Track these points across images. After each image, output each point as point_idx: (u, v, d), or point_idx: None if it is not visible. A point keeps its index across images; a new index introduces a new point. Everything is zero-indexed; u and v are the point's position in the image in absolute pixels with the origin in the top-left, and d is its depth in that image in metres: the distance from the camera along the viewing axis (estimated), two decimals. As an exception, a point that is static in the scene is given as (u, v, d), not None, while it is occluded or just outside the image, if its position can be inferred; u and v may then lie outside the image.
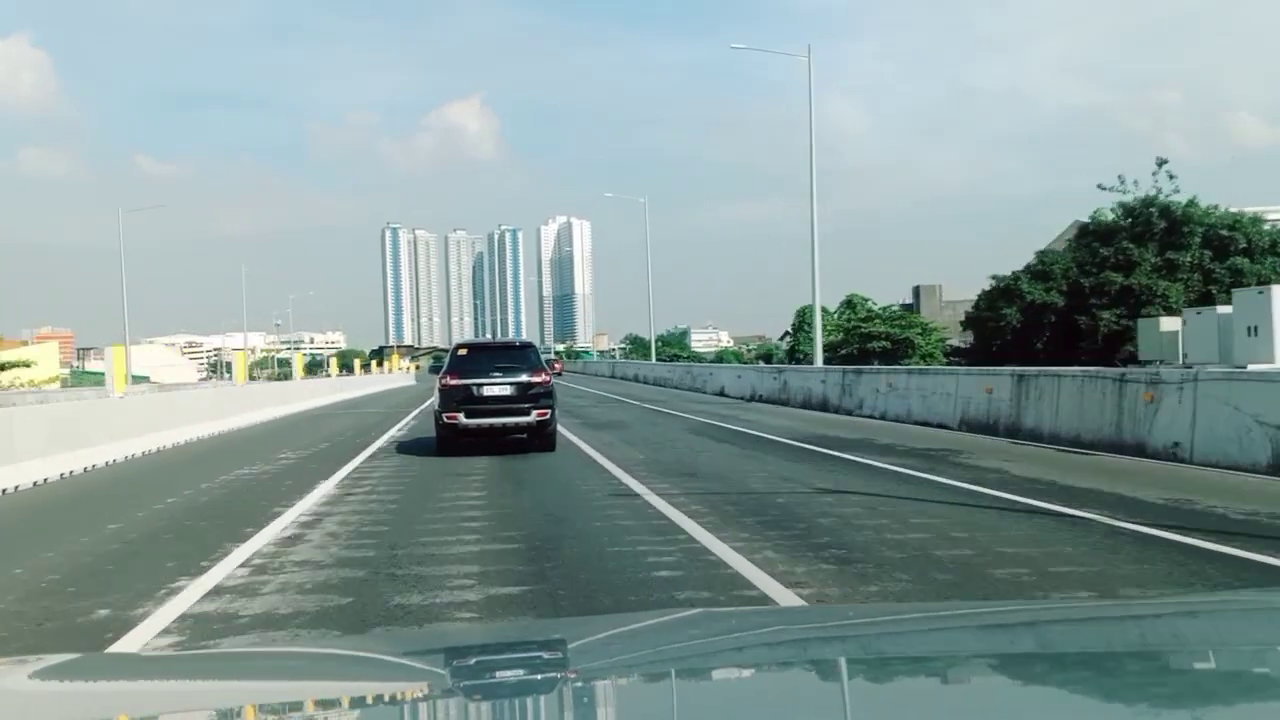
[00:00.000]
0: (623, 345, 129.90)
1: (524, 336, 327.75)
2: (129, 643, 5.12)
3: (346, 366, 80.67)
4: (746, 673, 1.82)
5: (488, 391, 14.36)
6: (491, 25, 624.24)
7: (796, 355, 65.82)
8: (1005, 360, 28.35)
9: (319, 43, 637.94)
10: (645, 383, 45.63)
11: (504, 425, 14.32)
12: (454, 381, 14.43)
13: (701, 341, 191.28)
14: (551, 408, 14.59)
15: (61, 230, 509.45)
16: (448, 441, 14.43)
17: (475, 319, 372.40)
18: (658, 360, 62.18)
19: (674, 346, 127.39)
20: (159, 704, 1.71)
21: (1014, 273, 37.64)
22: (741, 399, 29.27)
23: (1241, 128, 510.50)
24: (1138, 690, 1.56)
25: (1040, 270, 36.54)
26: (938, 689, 1.63)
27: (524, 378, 14.50)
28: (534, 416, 14.31)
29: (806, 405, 24.04)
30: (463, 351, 15.40)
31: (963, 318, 56.41)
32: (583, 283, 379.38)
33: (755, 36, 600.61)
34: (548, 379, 14.84)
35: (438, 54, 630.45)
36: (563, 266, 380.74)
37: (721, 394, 32.39)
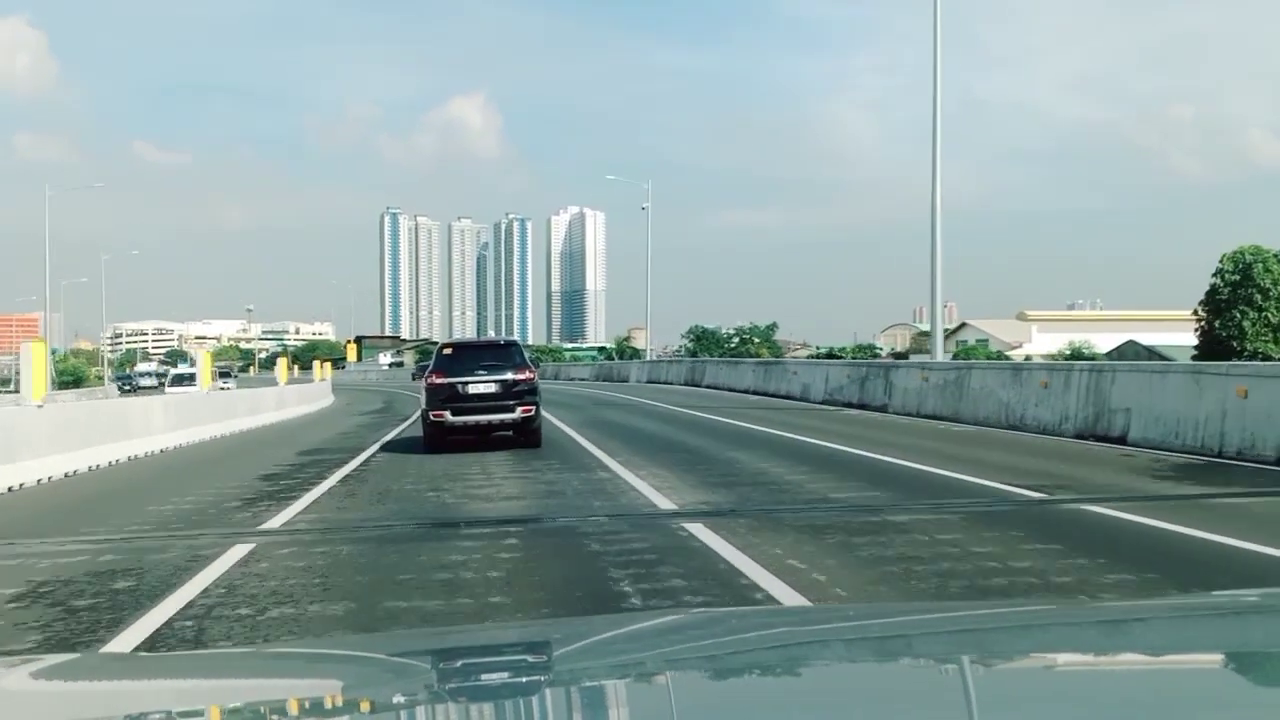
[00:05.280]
0: (685, 343, 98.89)
1: (530, 334, 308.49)
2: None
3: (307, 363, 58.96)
4: (746, 673, 1.77)
5: (473, 389, 14.53)
6: (495, 26, 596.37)
7: (1223, 344, 37.04)
8: None
9: (321, 37, 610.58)
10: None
11: (489, 422, 14.51)
12: (440, 380, 14.62)
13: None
14: (536, 404, 14.78)
15: (57, 217, 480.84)
16: (434, 439, 14.56)
17: (478, 313, 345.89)
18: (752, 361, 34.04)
19: (762, 345, 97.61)
20: (159, 704, 1.70)
21: None
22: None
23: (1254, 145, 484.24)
24: (1138, 691, 1.54)
25: None
26: (939, 689, 1.61)
27: (508, 375, 14.67)
28: (519, 413, 14.50)
29: None
30: (448, 350, 15.82)
31: None
32: (594, 278, 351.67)
33: (763, 44, 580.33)
34: (532, 376, 15.03)
35: (442, 52, 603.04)
36: (573, 260, 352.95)
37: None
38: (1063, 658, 1.81)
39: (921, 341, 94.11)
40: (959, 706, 1.48)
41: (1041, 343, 72.90)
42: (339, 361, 57.76)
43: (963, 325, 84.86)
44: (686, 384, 38.61)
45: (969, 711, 1.46)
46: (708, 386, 35.28)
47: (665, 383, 41.89)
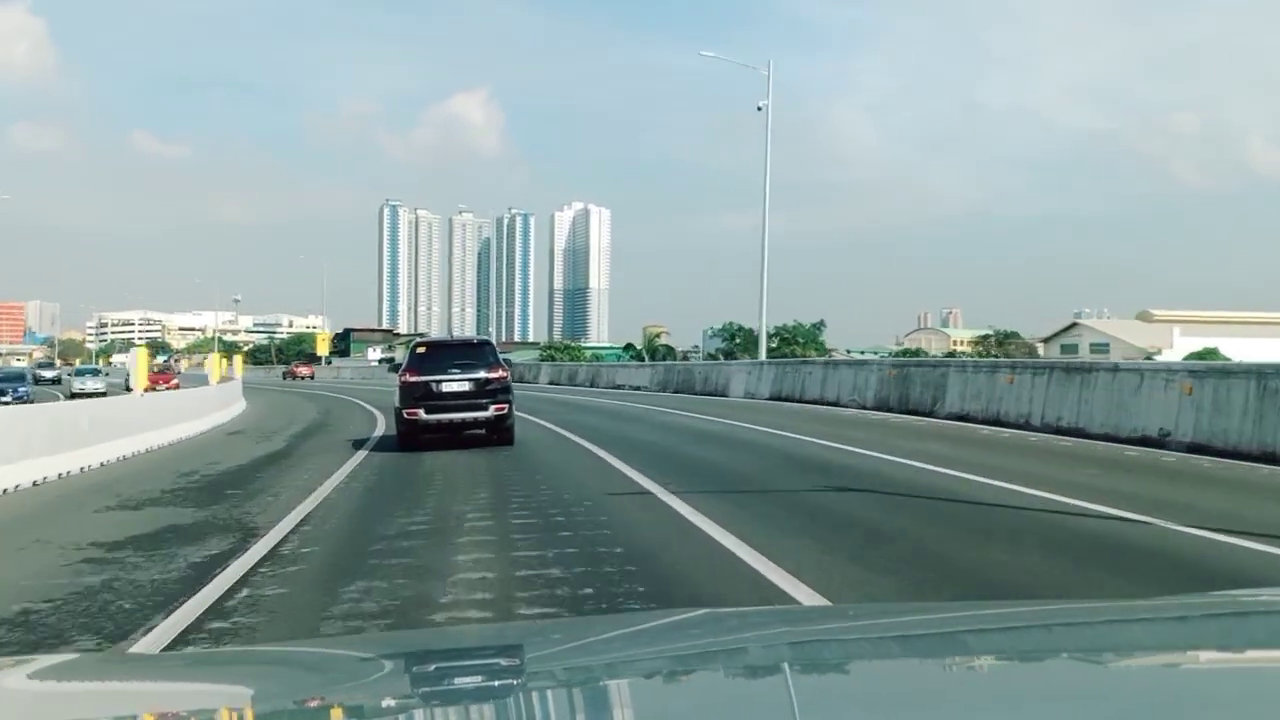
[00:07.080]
0: (719, 340, 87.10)
1: (531, 332, 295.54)
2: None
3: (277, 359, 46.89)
4: (746, 673, 1.77)
5: (446, 388, 14.58)
6: (496, 24, 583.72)
7: None
8: None
9: (323, 33, 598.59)
10: None
11: (463, 420, 14.59)
12: (413, 378, 14.69)
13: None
14: (509, 403, 14.82)
15: (56, 209, 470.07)
16: (408, 437, 14.62)
17: (478, 310, 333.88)
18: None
19: (809, 346, 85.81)
20: (159, 704, 1.70)
21: None
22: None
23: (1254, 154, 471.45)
24: (1138, 691, 1.54)
25: None
26: (939, 689, 1.60)
27: (481, 374, 14.72)
28: (492, 411, 14.57)
29: None
30: (421, 349, 15.76)
31: None
32: (598, 276, 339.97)
33: (763, 44, 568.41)
34: (505, 375, 15.04)
35: (444, 50, 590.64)
36: (577, 257, 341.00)
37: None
38: (1063, 658, 1.80)
39: (1005, 347, 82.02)
40: (959, 706, 1.47)
41: (1191, 347, 58.50)
42: (313, 357, 45.83)
43: (1073, 325, 72.51)
44: (882, 408, 21.52)
45: (969, 711, 1.44)
46: (957, 418, 18.33)
47: (819, 402, 24.23)
